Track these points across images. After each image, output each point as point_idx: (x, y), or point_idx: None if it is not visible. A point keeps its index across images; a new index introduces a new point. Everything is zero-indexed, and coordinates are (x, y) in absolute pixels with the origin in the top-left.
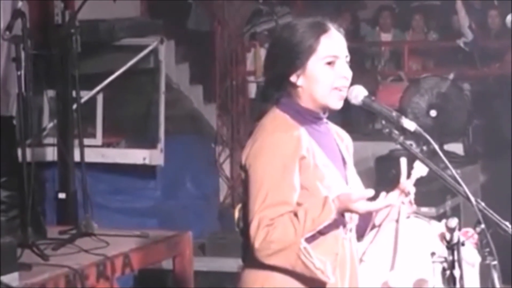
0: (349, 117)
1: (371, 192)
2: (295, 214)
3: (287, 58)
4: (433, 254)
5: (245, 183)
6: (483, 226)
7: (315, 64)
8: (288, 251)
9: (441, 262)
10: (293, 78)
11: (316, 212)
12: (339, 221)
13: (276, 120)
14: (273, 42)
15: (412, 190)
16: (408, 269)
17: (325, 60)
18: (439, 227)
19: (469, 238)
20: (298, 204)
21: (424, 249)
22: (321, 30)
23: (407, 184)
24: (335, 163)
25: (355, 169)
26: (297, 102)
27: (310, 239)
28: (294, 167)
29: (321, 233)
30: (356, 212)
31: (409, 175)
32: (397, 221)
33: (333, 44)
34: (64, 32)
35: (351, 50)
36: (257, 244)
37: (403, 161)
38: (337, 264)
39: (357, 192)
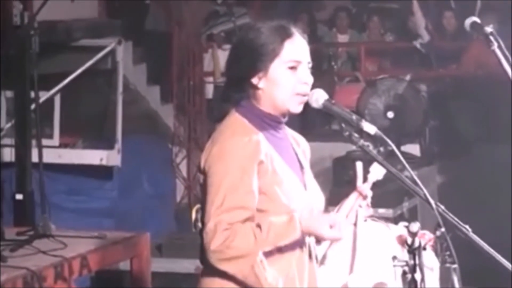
0: (306, 118)
1: (341, 217)
2: (258, 225)
3: (249, 60)
4: (394, 258)
5: (204, 187)
6: (443, 229)
7: (277, 67)
8: (244, 260)
9: (402, 266)
10: (254, 80)
11: (280, 228)
12: (299, 241)
13: (234, 124)
14: (236, 43)
15: (369, 193)
16: (367, 272)
17: (288, 65)
18: (397, 230)
19: (427, 242)
20: (258, 210)
21: (383, 252)
22: (286, 34)
23: (364, 187)
24: (293, 168)
25: (311, 174)
26: (256, 105)
27: (267, 254)
28: (253, 172)
29: (280, 250)
30: (322, 238)
31: (365, 179)
32: (355, 224)
33: (296, 49)
34: (23, 33)
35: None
36: (213, 246)
37: (359, 165)
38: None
39: (329, 218)
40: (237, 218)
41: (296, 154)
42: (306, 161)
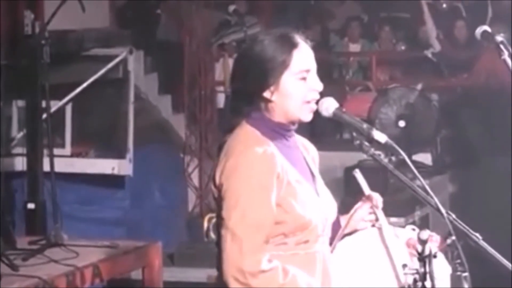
0: (316, 126)
1: None
2: (285, 270)
3: (259, 74)
4: (404, 266)
5: (219, 201)
6: (454, 237)
7: (288, 79)
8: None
9: (413, 274)
10: (266, 94)
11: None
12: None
13: (247, 136)
14: (242, 57)
15: (380, 198)
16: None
17: (299, 76)
18: (405, 234)
19: (438, 246)
20: (276, 223)
21: (395, 258)
22: (293, 44)
23: (374, 194)
24: (305, 177)
25: (322, 181)
26: (267, 116)
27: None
28: (272, 186)
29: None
30: None
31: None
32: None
33: (305, 58)
34: (34, 43)
35: (319, 60)
36: (245, 267)
37: (358, 174)
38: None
39: None
40: (260, 238)
41: (307, 162)
42: (316, 168)
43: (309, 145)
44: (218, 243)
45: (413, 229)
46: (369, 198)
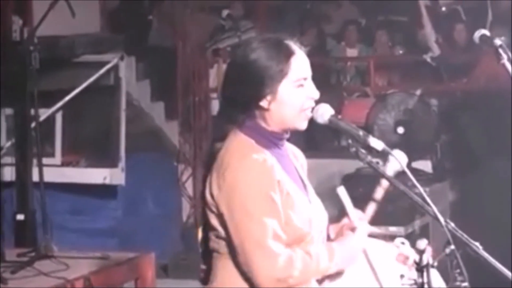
0: (313, 134)
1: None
2: (308, 253)
3: (256, 83)
4: (402, 276)
5: (219, 215)
6: (453, 247)
7: (286, 88)
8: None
9: (411, 285)
10: (263, 103)
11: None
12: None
13: (241, 145)
14: (236, 64)
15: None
16: None
17: (297, 83)
18: (393, 249)
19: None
20: None
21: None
22: (289, 52)
23: (355, 219)
24: (299, 186)
25: (312, 189)
26: (262, 125)
27: None
28: (276, 194)
29: None
30: None
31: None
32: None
33: (302, 66)
34: (23, 48)
35: (316, 65)
36: (279, 275)
37: (341, 191)
38: None
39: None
40: (283, 243)
41: (297, 170)
42: (305, 175)
43: (298, 152)
44: (205, 256)
45: (402, 243)
46: (349, 219)
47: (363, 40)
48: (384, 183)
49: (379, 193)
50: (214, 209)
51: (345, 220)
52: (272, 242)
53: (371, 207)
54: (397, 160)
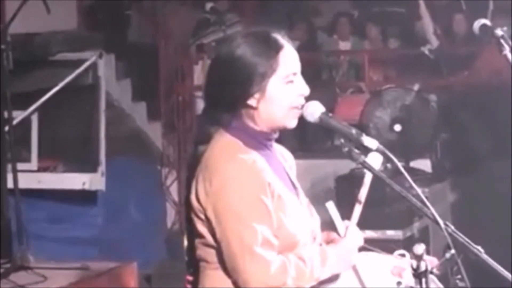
0: (305, 133)
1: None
2: (301, 258)
3: (243, 81)
4: (399, 283)
5: (208, 223)
6: (453, 251)
7: (275, 85)
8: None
9: None
10: (251, 102)
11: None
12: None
13: (228, 146)
14: (220, 61)
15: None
16: None
17: (286, 80)
18: (390, 261)
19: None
20: None
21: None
22: (278, 46)
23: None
24: (289, 188)
25: (303, 192)
26: (250, 125)
27: None
28: (267, 196)
29: None
30: None
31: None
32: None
33: (291, 61)
34: None
35: (307, 60)
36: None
37: (330, 206)
38: None
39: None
40: (275, 250)
41: (286, 172)
42: (295, 177)
43: (286, 152)
44: (192, 265)
45: (403, 255)
46: (339, 234)
47: (356, 32)
48: (367, 181)
49: (363, 194)
50: (201, 215)
51: (334, 235)
52: (263, 248)
53: (357, 209)
54: (394, 160)
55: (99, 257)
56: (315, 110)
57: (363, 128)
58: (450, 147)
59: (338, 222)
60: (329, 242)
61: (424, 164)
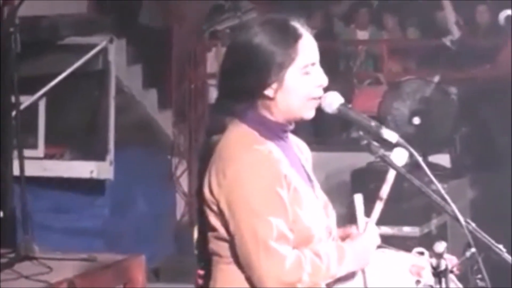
0: (320, 125)
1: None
2: (317, 255)
3: (261, 70)
4: (418, 282)
5: (220, 214)
6: (473, 250)
7: (293, 75)
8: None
9: None
10: (268, 92)
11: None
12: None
13: (244, 136)
14: (236, 50)
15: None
16: None
17: (304, 70)
18: (408, 259)
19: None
20: None
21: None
22: (296, 35)
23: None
24: (305, 181)
25: (319, 184)
26: (266, 115)
27: None
28: (283, 189)
29: None
30: None
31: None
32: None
33: (310, 50)
34: (2, 30)
35: (323, 50)
36: (289, 279)
37: (358, 198)
38: None
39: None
40: (290, 245)
41: (302, 164)
42: (311, 170)
43: (302, 144)
44: (203, 259)
45: (421, 253)
46: (358, 229)
47: (374, 22)
48: (390, 178)
49: (385, 190)
50: (214, 207)
51: (352, 229)
52: (278, 243)
53: (378, 207)
54: (415, 154)
55: (105, 249)
56: (333, 101)
57: (380, 120)
58: (470, 142)
59: (361, 216)
60: (344, 238)
61: (443, 159)
